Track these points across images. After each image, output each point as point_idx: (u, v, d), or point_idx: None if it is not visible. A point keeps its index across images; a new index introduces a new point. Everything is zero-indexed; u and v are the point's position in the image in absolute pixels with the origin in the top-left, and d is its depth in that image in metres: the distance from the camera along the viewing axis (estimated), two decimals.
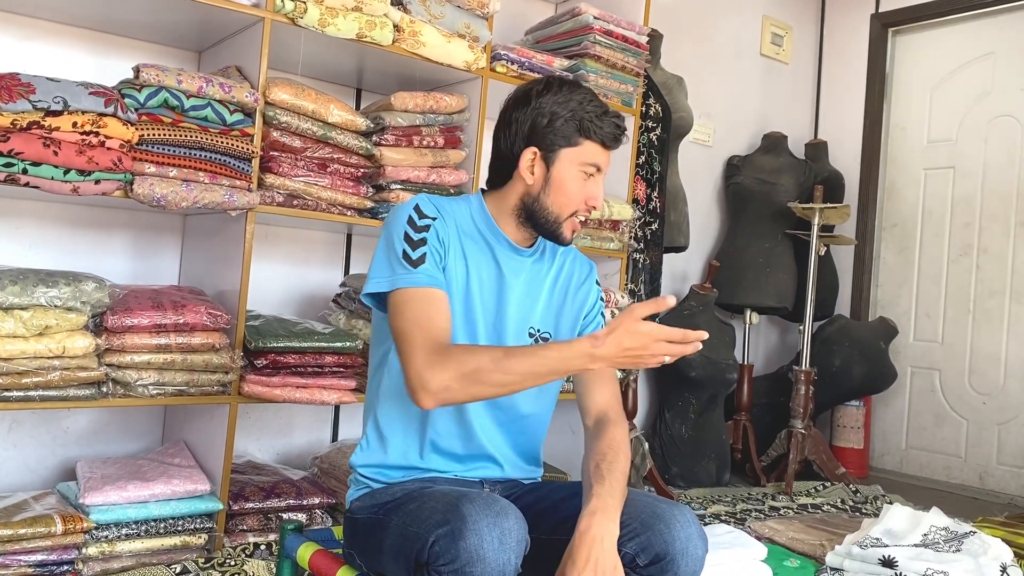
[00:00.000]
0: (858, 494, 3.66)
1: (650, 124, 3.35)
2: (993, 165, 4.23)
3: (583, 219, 1.56)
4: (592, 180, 1.54)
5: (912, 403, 4.42)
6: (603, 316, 1.68)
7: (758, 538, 2.68)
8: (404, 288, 1.42)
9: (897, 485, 4.08)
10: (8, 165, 1.92)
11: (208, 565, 2.20)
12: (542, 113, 1.52)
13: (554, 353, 1.32)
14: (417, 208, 1.50)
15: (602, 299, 1.71)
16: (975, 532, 2.49)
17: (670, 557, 1.30)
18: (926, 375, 4.38)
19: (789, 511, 3.31)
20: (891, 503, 3.25)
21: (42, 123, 1.94)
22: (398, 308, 1.42)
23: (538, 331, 1.57)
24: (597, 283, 1.70)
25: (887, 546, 2.39)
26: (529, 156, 1.53)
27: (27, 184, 1.96)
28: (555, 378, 1.36)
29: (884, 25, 4.60)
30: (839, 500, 3.55)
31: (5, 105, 1.89)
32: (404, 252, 1.44)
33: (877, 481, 4.10)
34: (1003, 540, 2.51)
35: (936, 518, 2.55)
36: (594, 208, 1.55)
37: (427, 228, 1.47)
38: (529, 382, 1.34)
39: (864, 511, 3.40)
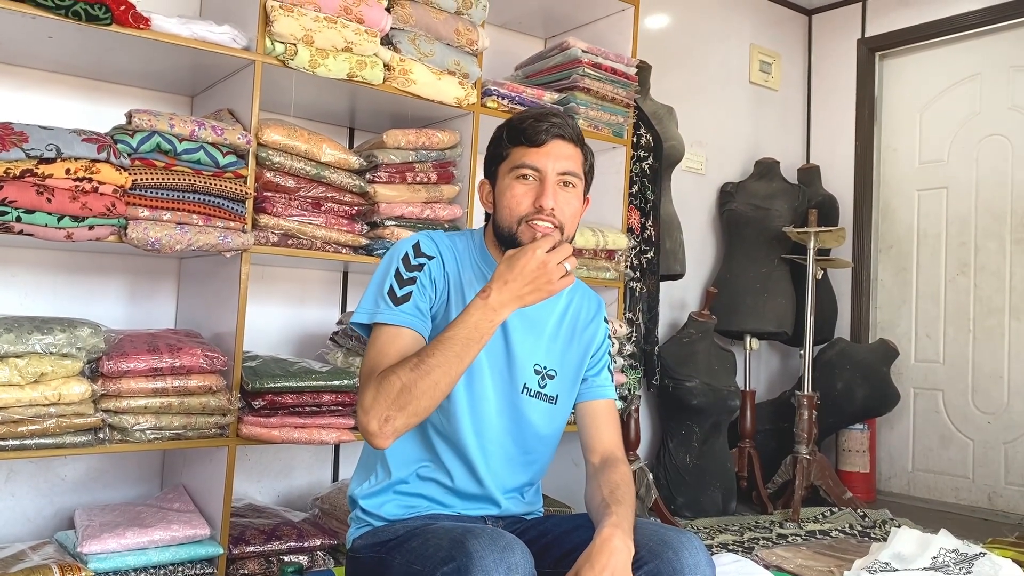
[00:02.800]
0: (866, 518, 3.62)
1: (642, 154, 3.37)
2: (985, 184, 4.24)
3: (549, 225, 1.47)
4: (531, 183, 1.49)
5: (916, 425, 4.39)
6: (610, 355, 1.68)
7: (766, 566, 2.65)
8: (381, 324, 1.45)
9: (905, 508, 4.04)
10: (2, 213, 1.92)
11: None
12: (487, 149, 1.59)
13: (459, 330, 1.34)
14: (416, 246, 1.51)
15: (610, 337, 1.70)
16: (985, 554, 2.46)
17: None
18: (929, 396, 4.36)
19: (797, 538, 3.27)
20: (899, 526, 3.21)
21: (35, 171, 1.95)
22: (369, 343, 1.45)
23: (544, 368, 1.57)
24: (605, 320, 1.69)
25: (897, 570, 2.36)
26: (482, 189, 1.59)
27: (21, 232, 1.96)
28: (477, 349, 1.36)
29: (871, 50, 4.65)
30: (847, 525, 3.51)
31: None
32: (391, 288, 1.47)
33: (884, 504, 4.05)
34: (1014, 561, 2.48)
35: (945, 540, 2.53)
36: (542, 208, 1.46)
37: (420, 268, 1.49)
38: (455, 367, 1.34)
39: (872, 535, 3.36)
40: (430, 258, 1.51)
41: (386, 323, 1.44)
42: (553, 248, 1.38)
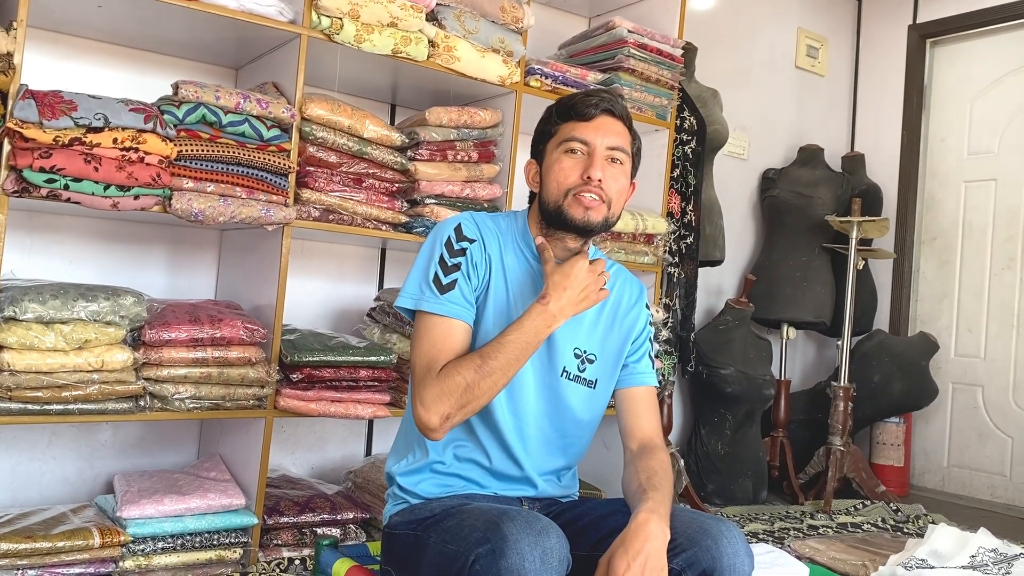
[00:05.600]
0: (899, 513, 3.58)
1: (685, 137, 3.33)
2: None
3: (595, 197, 1.47)
4: (579, 156, 1.50)
5: (954, 420, 4.32)
6: (651, 342, 1.66)
7: (799, 558, 2.63)
8: (426, 312, 1.45)
9: (939, 504, 3.99)
10: (50, 181, 1.95)
11: None
12: (536, 129, 1.59)
13: (520, 335, 1.40)
14: (458, 229, 1.50)
15: (651, 323, 1.68)
16: None
17: (717, 573, 1.29)
18: (968, 391, 4.28)
19: (828, 530, 3.25)
20: (934, 522, 3.17)
21: (83, 139, 1.97)
22: (417, 332, 1.46)
23: (584, 352, 1.56)
24: (647, 306, 1.67)
25: (933, 567, 2.33)
26: (528, 169, 1.59)
27: (68, 200, 1.99)
28: (532, 351, 1.43)
29: (922, 36, 4.54)
30: (879, 519, 3.47)
31: (48, 122, 1.92)
32: (436, 275, 1.47)
33: (918, 500, 4.00)
34: None
35: (985, 539, 2.49)
36: (590, 179, 1.46)
37: (463, 252, 1.48)
38: (513, 369, 1.41)
39: (906, 530, 3.32)
40: (472, 241, 1.50)
41: (433, 312, 1.44)
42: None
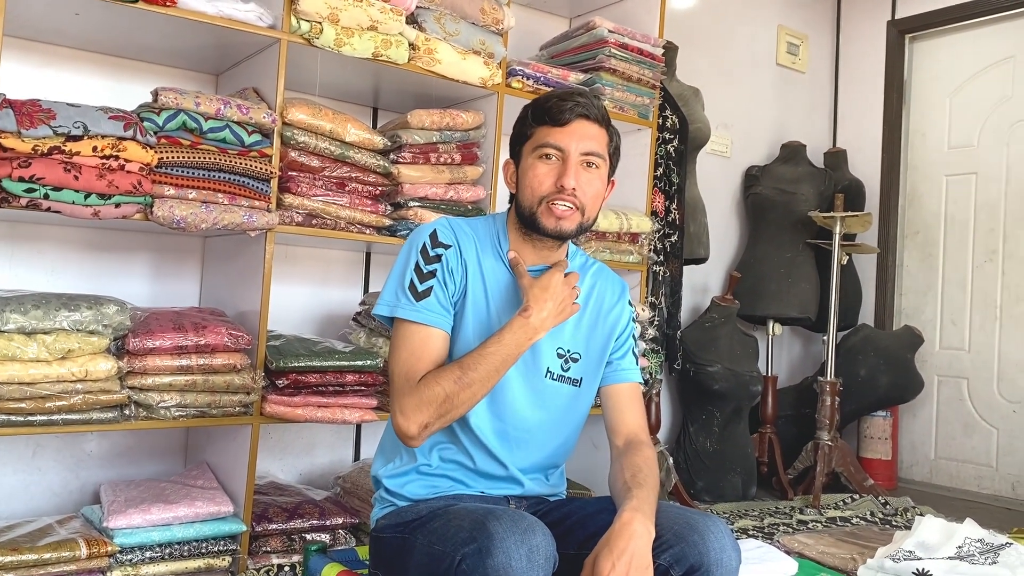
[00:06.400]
0: (887, 506, 3.59)
1: (667, 136, 3.34)
2: (1016, 169, 4.17)
3: (568, 207, 1.47)
4: (553, 163, 1.49)
5: (940, 412, 4.35)
6: (634, 338, 1.67)
7: (788, 552, 2.64)
8: (403, 320, 1.46)
9: (927, 496, 4.01)
10: (30, 191, 1.93)
11: None
12: (513, 128, 1.59)
13: (500, 347, 1.42)
14: (433, 235, 1.50)
15: (634, 320, 1.69)
16: (1011, 544, 2.44)
17: (704, 568, 1.29)
18: (953, 384, 4.31)
19: (818, 524, 3.26)
20: (922, 515, 3.19)
21: (63, 148, 1.96)
22: (395, 340, 1.47)
23: (568, 351, 1.56)
24: (629, 303, 1.68)
25: (921, 559, 2.35)
26: (506, 169, 1.59)
27: (49, 209, 1.97)
28: (513, 362, 1.44)
29: (901, 32, 4.57)
30: (868, 512, 3.49)
31: (27, 131, 1.91)
32: (412, 282, 1.47)
33: (906, 492, 4.03)
34: None
35: (971, 529, 2.50)
36: (563, 188, 1.45)
37: (438, 259, 1.48)
38: (493, 380, 1.42)
39: (894, 523, 3.34)
40: (447, 247, 1.50)
41: (410, 320, 1.45)
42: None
